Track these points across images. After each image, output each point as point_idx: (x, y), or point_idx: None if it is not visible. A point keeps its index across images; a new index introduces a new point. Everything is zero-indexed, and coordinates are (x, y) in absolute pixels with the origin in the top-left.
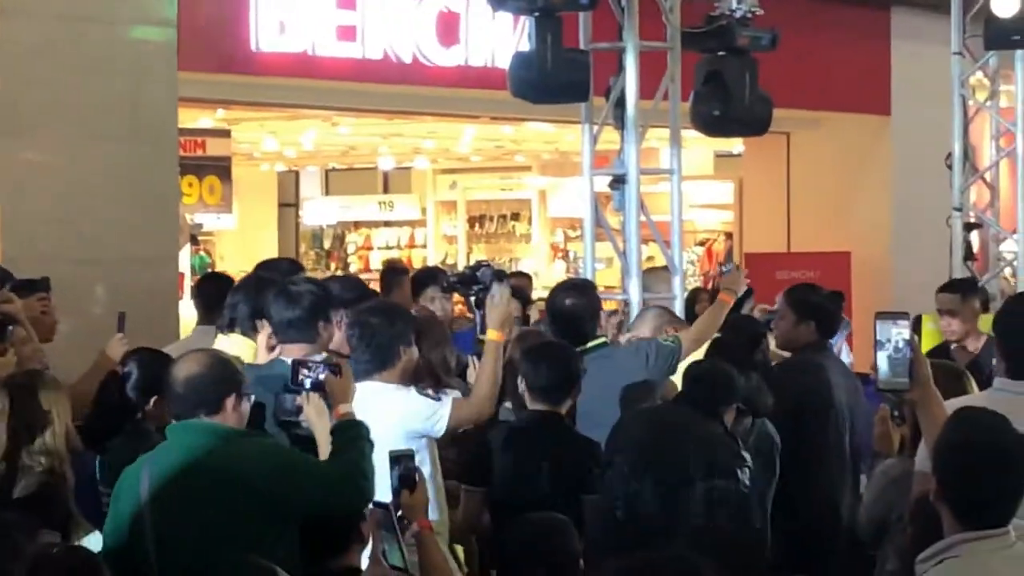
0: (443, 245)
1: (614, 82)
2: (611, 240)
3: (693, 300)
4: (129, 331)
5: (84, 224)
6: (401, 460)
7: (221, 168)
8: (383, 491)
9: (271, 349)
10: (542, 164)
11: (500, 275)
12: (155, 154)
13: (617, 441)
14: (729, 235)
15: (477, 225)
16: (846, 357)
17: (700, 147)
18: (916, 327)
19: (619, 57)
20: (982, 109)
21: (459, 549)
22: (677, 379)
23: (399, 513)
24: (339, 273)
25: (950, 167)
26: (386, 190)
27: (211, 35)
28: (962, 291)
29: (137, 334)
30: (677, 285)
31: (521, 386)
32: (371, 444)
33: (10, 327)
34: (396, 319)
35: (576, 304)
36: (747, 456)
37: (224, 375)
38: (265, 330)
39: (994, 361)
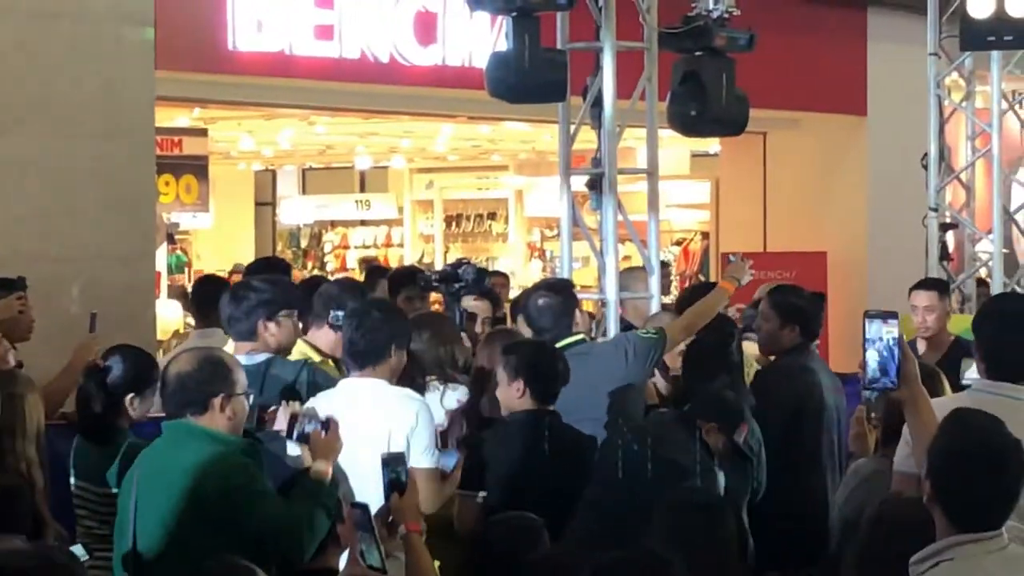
0: (420, 244)
1: (591, 82)
2: (588, 239)
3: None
4: (106, 330)
5: (60, 222)
6: (391, 463)
7: (198, 167)
8: (376, 492)
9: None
10: (519, 163)
11: (482, 272)
12: (132, 153)
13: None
14: (705, 235)
15: (454, 224)
16: None
17: (677, 147)
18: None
19: (596, 57)
20: (958, 110)
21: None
22: None
23: (391, 518)
24: (339, 275)
25: (926, 167)
26: (363, 189)
27: (188, 34)
28: (939, 290)
29: (113, 333)
30: (654, 284)
31: (517, 387)
32: (328, 511)
33: None
34: (395, 319)
35: (550, 302)
36: (717, 471)
37: (212, 375)
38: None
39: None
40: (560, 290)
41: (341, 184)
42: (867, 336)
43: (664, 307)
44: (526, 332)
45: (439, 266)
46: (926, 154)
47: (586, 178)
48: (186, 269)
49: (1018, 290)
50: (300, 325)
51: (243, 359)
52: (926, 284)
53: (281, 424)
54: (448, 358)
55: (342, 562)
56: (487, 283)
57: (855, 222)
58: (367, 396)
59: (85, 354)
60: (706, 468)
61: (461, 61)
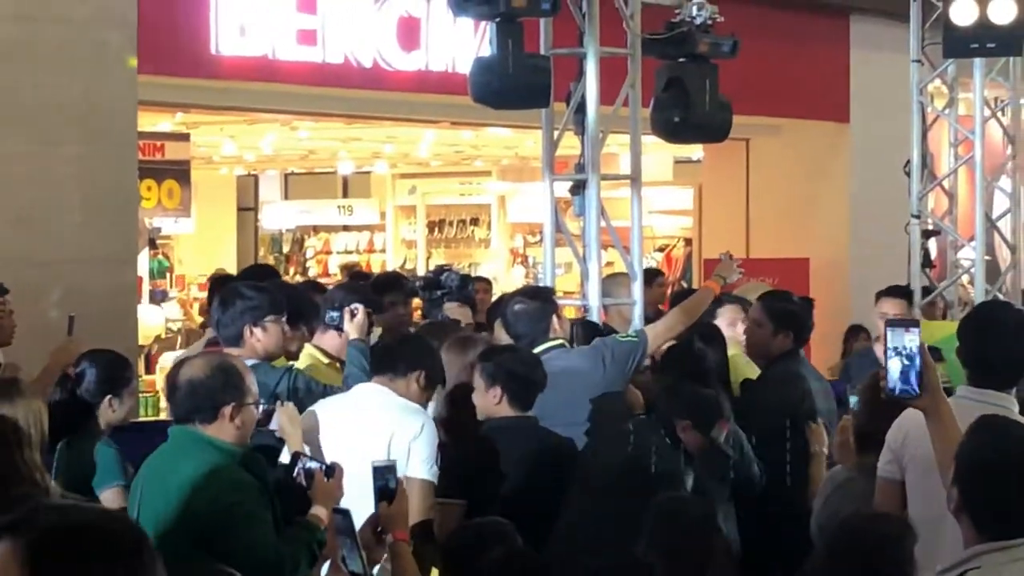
0: (402, 250)
1: (574, 88)
2: (571, 245)
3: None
4: (88, 334)
5: (43, 226)
6: (382, 471)
7: (180, 172)
8: (367, 499)
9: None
10: (502, 169)
11: (465, 279)
12: (114, 157)
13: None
14: (688, 241)
15: (436, 230)
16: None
17: (660, 153)
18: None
19: (580, 63)
20: (940, 117)
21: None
22: None
23: (379, 528)
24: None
25: (908, 174)
26: (345, 194)
27: (171, 38)
28: (909, 299)
29: (95, 337)
30: (637, 291)
31: (494, 394)
32: (314, 556)
33: None
34: (429, 349)
35: (526, 308)
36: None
37: (225, 383)
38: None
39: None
40: (537, 296)
41: (324, 189)
42: (889, 345)
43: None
44: (504, 338)
45: (421, 271)
46: (908, 161)
47: (569, 184)
48: (168, 274)
49: (1000, 297)
50: (304, 330)
51: None
52: (896, 292)
53: (276, 425)
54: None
55: (324, 568)
56: (470, 289)
57: (838, 229)
58: (375, 400)
59: (63, 357)
60: (671, 471)
61: (444, 66)
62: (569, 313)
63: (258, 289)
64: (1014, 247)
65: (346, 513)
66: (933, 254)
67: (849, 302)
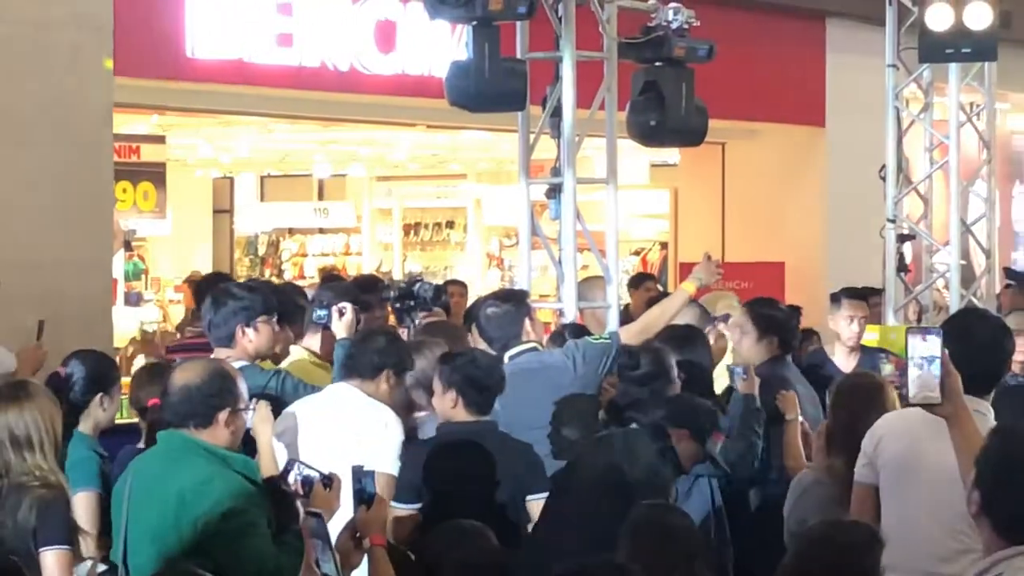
0: (379, 252)
1: (551, 91)
2: (547, 249)
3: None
4: (63, 337)
5: (17, 228)
6: (359, 475)
7: (155, 174)
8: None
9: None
10: (478, 172)
11: (439, 290)
12: (90, 159)
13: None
14: (664, 245)
15: (412, 233)
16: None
17: (636, 156)
18: None
19: (556, 66)
20: (916, 121)
21: None
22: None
23: (357, 533)
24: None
25: (884, 179)
26: (321, 197)
27: (147, 41)
28: (868, 301)
29: (70, 339)
30: (612, 294)
31: (451, 398)
32: (297, 566)
33: None
34: (400, 346)
35: (498, 312)
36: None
37: (221, 389)
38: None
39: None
40: (510, 299)
41: (300, 192)
42: (909, 353)
43: None
44: (479, 343)
45: (398, 275)
46: (884, 165)
47: (545, 187)
48: (143, 276)
49: (975, 301)
50: (289, 332)
51: None
52: (859, 293)
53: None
54: None
55: None
56: (444, 299)
57: (813, 233)
58: (345, 400)
59: (29, 361)
60: (659, 482)
61: (421, 70)
62: (544, 316)
63: (250, 289)
64: (989, 251)
65: (319, 516)
66: (908, 258)
67: (824, 306)
